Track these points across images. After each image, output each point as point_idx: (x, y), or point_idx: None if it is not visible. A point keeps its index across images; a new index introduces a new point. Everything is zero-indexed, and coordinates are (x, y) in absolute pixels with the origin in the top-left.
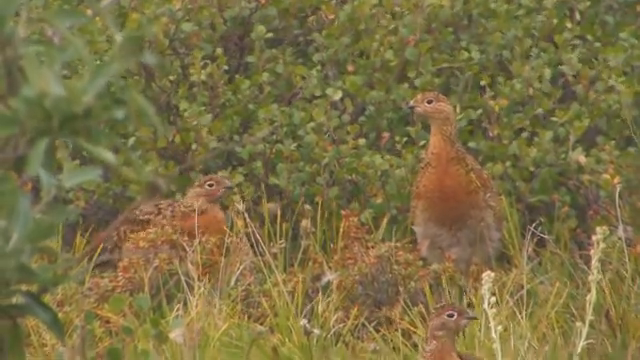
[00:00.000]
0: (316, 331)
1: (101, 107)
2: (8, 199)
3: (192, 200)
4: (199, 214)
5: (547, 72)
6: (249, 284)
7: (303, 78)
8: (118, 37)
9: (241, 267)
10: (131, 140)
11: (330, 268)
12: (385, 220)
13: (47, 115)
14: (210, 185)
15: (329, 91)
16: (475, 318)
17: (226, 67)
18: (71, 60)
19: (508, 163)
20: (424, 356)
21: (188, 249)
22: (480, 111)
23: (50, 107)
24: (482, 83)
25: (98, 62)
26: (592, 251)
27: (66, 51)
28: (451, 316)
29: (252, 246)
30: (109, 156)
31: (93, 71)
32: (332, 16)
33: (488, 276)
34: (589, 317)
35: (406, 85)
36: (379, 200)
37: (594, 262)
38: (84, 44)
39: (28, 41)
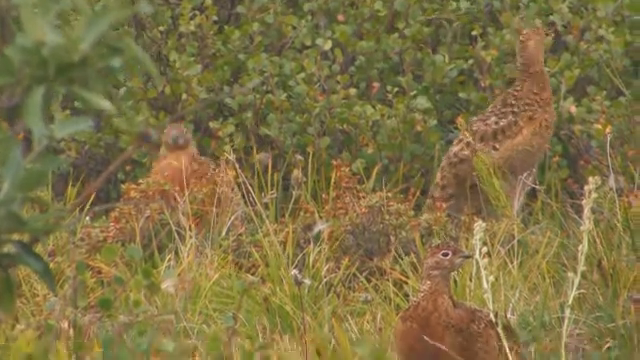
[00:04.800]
0: (307, 281)
1: (98, 55)
2: (0, 148)
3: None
4: (160, 161)
5: (537, 22)
6: (240, 234)
7: (293, 28)
8: None
9: (232, 217)
10: (122, 91)
11: (321, 218)
12: (376, 170)
13: (43, 63)
14: (167, 132)
15: (319, 41)
16: (470, 257)
17: (216, 17)
18: (65, 11)
19: None
20: (417, 296)
21: (179, 199)
22: (471, 62)
23: (47, 55)
24: (473, 33)
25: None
26: (584, 201)
27: (60, 1)
28: (446, 255)
29: (243, 196)
30: (105, 104)
31: (89, 19)
32: None
33: (479, 226)
34: (581, 267)
35: (396, 35)
36: (370, 150)
37: (586, 212)
38: None
39: None
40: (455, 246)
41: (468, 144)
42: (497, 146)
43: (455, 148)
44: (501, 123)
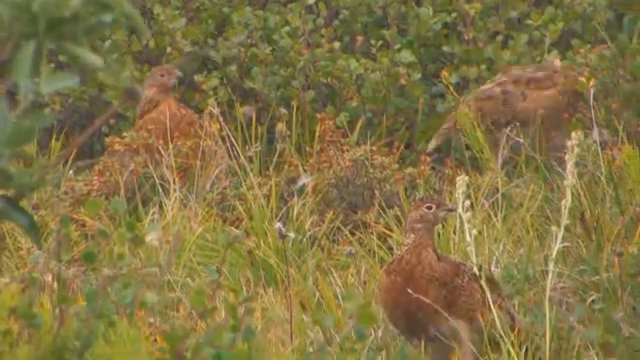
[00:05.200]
0: (291, 234)
1: (88, 11)
2: None
3: (146, 91)
4: (153, 106)
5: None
6: (224, 188)
7: None
8: None
9: (216, 171)
10: (106, 44)
11: (305, 171)
12: (360, 123)
13: (34, 19)
14: (161, 75)
15: None
16: (454, 210)
17: None
18: None
19: (483, 66)
20: (401, 250)
21: (164, 152)
22: (455, 15)
23: (37, 10)
24: None
25: None
26: (567, 156)
27: None
28: (429, 208)
29: (227, 150)
30: (95, 59)
31: None
32: None
33: (462, 180)
34: (564, 221)
35: None
36: (354, 103)
37: (569, 168)
38: None
39: None
40: (439, 199)
41: (500, 84)
42: (526, 93)
43: (484, 87)
44: (538, 74)
